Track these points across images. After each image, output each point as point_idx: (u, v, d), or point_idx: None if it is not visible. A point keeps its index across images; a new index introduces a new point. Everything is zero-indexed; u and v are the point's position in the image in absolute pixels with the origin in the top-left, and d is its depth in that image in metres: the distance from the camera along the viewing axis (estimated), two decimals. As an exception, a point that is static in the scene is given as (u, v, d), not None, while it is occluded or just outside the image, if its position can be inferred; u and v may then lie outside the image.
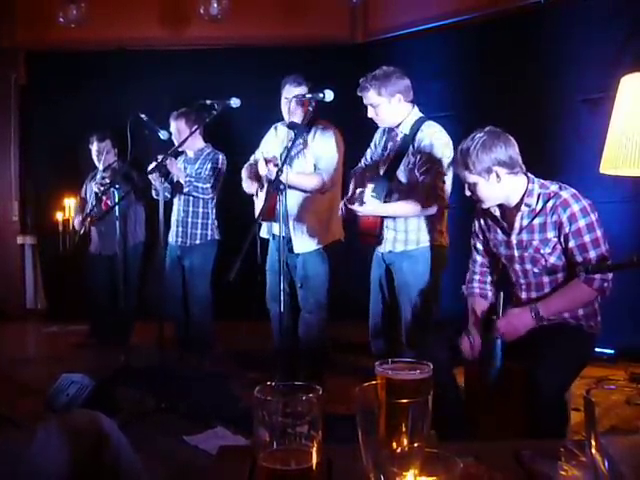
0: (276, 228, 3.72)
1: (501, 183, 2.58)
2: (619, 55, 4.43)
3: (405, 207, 3.28)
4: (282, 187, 3.14)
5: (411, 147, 3.32)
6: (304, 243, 3.82)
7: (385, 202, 3.29)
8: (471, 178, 2.60)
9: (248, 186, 3.92)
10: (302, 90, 3.71)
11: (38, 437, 1.22)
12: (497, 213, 2.72)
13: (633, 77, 2.63)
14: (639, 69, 2.70)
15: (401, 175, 3.34)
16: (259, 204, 3.81)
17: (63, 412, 2.67)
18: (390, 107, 3.32)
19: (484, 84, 5.21)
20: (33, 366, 4.74)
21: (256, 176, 3.84)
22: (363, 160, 3.69)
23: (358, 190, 3.24)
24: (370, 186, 3.27)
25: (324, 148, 3.77)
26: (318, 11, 6.17)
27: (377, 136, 3.64)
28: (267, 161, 3.72)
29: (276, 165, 3.49)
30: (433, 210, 3.29)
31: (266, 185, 3.67)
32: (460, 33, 5.48)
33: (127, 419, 3.25)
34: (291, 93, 3.73)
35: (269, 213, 3.50)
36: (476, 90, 5.29)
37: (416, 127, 3.34)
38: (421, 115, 3.40)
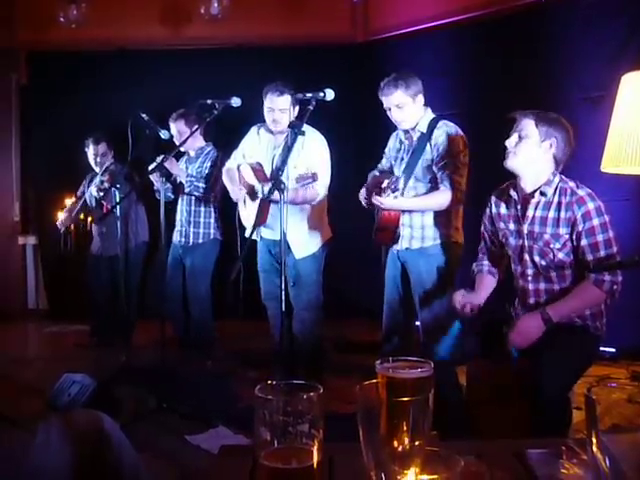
0: (264, 230, 3.83)
1: (542, 155, 2.61)
2: (620, 53, 4.42)
3: (427, 201, 3.33)
4: (283, 187, 3.13)
5: (428, 145, 3.37)
6: (303, 248, 3.85)
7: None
8: (529, 130, 2.61)
9: (235, 193, 3.91)
10: (285, 100, 3.71)
11: (39, 437, 1.22)
12: (515, 197, 2.72)
13: (634, 75, 2.62)
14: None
15: (419, 172, 3.38)
16: (246, 211, 3.81)
17: (64, 412, 2.66)
18: (414, 107, 3.40)
19: (485, 83, 5.21)
20: (35, 366, 4.75)
21: (243, 183, 3.84)
22: (379, 167, 3.71)
23: (386, 181, 3.23)
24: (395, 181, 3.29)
25: (315, 158, 3.75)
26: (319, 10, 6.18)
27: (392, 141, 3.68)
28: (254, 170, 3.73)
29: (264, 173, 3.53)
30: (452, 204, 3.32)
31: (261, 191, 3.63)
32: (460, 32, 5.48)
33: (129, 419, 3.26)
34: (274, 103, 3.74)
35: (262, 218, 3.52)
36: (477, 89, 5.28)
37: (432, 125, 3.40)
38: (434, 115, 3.47)
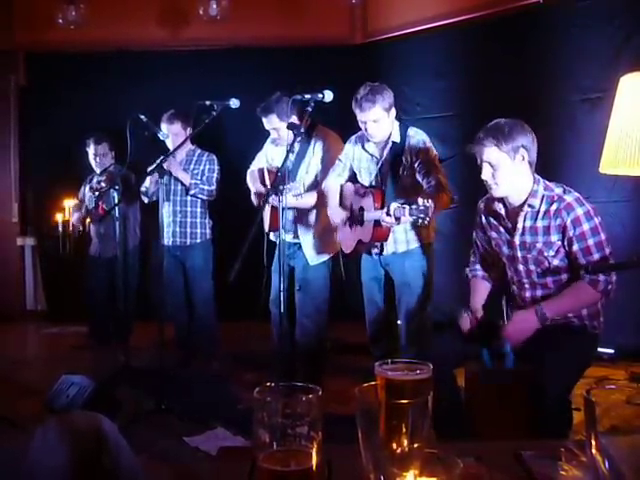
0: (283, 232, 3.74)
1: (520, 169, 2.58)
2: (618, 55, 4.43)
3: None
4: (282, 189, 3.13)
5: (404, 154, 3.37)
6: (317, 254, 3.79)
7: None
8: (496, 156, 2.55)
9: (257, 198, 3.86)
10: (273, 119, 3.68)
11: (36, 438, 1.22)
12: (502, 211, 2.72)
13: (632, 76, 2.63)
14: (638, 68, 2.70)
15: (400, 182, 3.39)
16: (267, 215, 3.80)
17: (62, 413, 2.67)
18: (388, 120, 3.39)
19: (483, 84, 5.21)
20: (33, 367, 4.75)
21: (264, 186, 3.82)
22: (336, 174, 3.64)
23: (394, 205, 3.06)
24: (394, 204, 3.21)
25: (324, 161, 3.72)
26: (317, 12, 6.17)
27: (350, 149, 3.62)
28: (269, 173, 3.71)
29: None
30: (446, 204, 3.27)
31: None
32: (459, 33, 5.48)
33: (127, 420, 3.25)
34: (266, 124, 3.71)
35: (275, 223, 3.50)
36: (475, 90, 5.29)
37: (403, 134, 3.41)
38: (399, 122, 3.48)
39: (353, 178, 3.64)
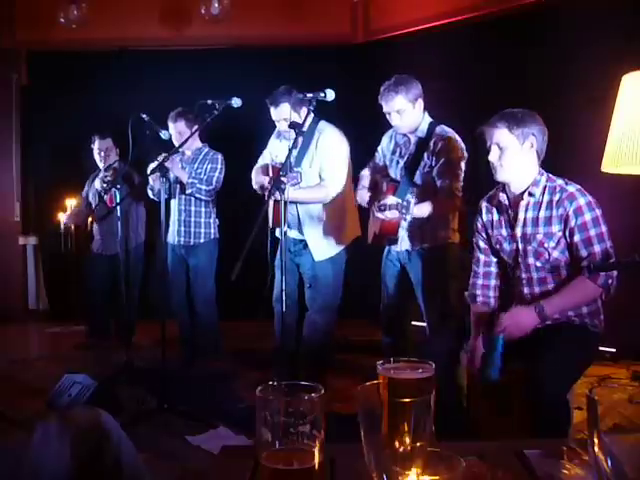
0: (288, 229, 3.73)
1: (527, 155, 2.59)
2: (621, 53, 4.42)
3: (428, 207, 3.32)
4: (283, 187, 3.13)
5: (427, 151, 3.39)
6: (323, 250, 3.78)
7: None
8: (506, 138, 2.57)
9: (262, 191, 3.84)
10: (285, 108, 3.66)
11: (37, 435, 1.22)
12: (505, 202, 2.71)
13: (635, 75, 2.62)
14: (640, 67, 2.69)
15: (417, 178, 3.42)
16: (270, 210, 3.80)
17: (63, 409, 2.67)
18: (414, 112, 3.42)
19: (485, 84, 5.20)
20: (35, 367, 4.75)
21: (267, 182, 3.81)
22: (371, 165, 3.74)
23: (391, 199, 3.21)
24: (408, 195, 3.30)
25: (328, 157, 3.71)
26: (319, 11, 6.18)
27: (385, 140, 3.71)
28: (273, 169, 3.70)
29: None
30: (451, 210, 3.39)
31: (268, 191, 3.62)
32: (461, 32, 5.47)
33: (129, 419, 3.26)
34: (275, 115, 3.71)
35: (277, 218, 3.49)
36: (477, 90, 5.28)
37: (431, 131, 3.43)
38: (432, 119, 3.49)
39: (386, 170, 3.67)
